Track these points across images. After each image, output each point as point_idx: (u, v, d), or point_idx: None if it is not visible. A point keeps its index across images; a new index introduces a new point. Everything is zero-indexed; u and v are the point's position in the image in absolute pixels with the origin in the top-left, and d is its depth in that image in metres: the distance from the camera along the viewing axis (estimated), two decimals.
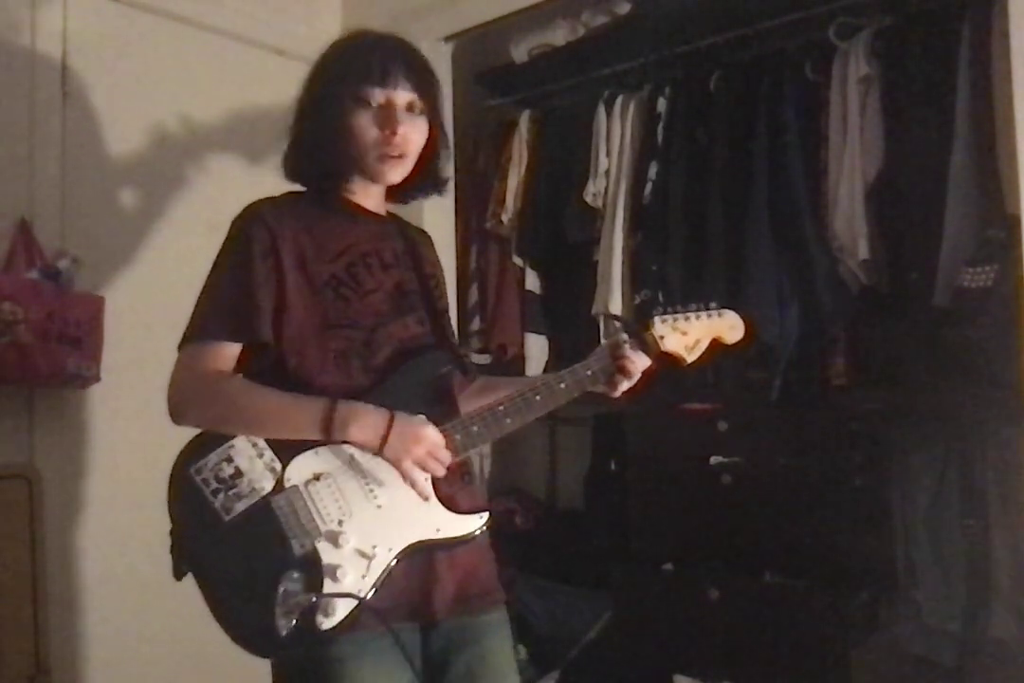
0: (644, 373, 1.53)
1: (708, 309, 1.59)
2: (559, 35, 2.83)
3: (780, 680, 2.19)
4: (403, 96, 1.44)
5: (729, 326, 1.60)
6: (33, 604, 2.02)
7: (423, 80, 1.47)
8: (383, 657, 1.35)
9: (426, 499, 1.38)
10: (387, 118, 1.43)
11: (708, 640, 2.31)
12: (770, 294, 2.33)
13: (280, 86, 2.79)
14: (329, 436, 1.34)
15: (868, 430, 2.31)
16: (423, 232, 1.68)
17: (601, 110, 2.66)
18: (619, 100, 2.62)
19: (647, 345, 1.53)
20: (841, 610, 2.15)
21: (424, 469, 1.35)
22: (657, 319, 1.55)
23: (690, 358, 1.57)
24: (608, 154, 2.62)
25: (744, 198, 2.36)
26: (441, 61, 2.74)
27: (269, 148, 2.71)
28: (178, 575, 1.39)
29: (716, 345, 1.61)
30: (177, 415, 1.40)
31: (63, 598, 2.14)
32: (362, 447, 1.36)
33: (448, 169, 1.61)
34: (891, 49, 2.20)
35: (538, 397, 1.45)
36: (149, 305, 2.42)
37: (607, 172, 2.62)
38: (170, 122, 2.53)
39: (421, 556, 1.39)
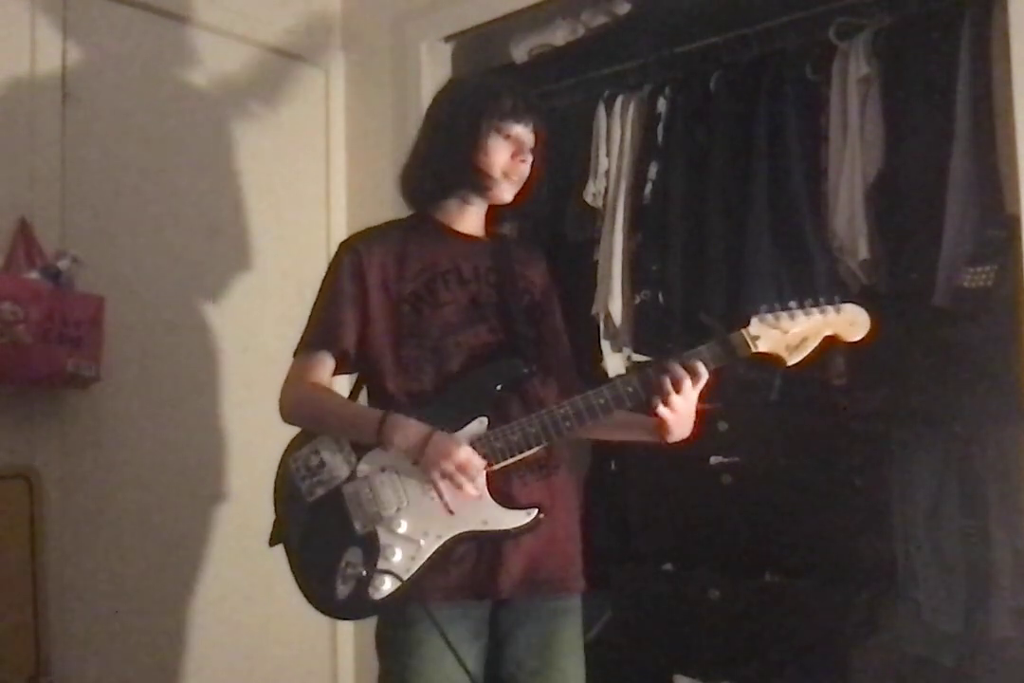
0: (708, 385, 1.49)
1: (821, 305, 1.50)
2: (559, 35, 2.82)
3: (780, 680, 2.19)
4: (529, 134, 1.66)
5: (850, 322, 1.51)
6: (33, 604, 2.02)
7: (543, 123, 1.69)
8: (450, 627, 1.52)
9: (450, 511, 1.51)
10: (520, 148, 1.65)
11: (708, 640, 2.32)
12: (769, 294, 2.31)
13: (280, 86, 2.82)
14: (380, 443, 1.53)
15: (868, 430, 2.31)
16: (533, 253, 1.82)
17: (601, 110, 2.65)
18: (619, 100, 2.62)
19: (732, 347, 1.49)
20: (841, 610, 2.16)
21: (451, 482, 1.49)
22: (754, 318, 1.49)
23: (792, 358, 1.50)
24: (608, 154, 2.62)
25: (744, 198, 2.35)
26: (441, 61, 2.75)
27: (269, 148, 2.73)
28: (272, 543, 1.63)
29: (833, 342, 1.51)
30: (283, 415, 1.64)
31: (63, 598, 2.14)
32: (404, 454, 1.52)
33: (535, 202, 1.76)
34: (891, 49, 2.19)
35: (562, 410, 1.51)
36: (149, 305, 2.42)
37: (607, 172, 2.61)
38: (170, 122, 2.53)
39: (488, 541, 1.53)
